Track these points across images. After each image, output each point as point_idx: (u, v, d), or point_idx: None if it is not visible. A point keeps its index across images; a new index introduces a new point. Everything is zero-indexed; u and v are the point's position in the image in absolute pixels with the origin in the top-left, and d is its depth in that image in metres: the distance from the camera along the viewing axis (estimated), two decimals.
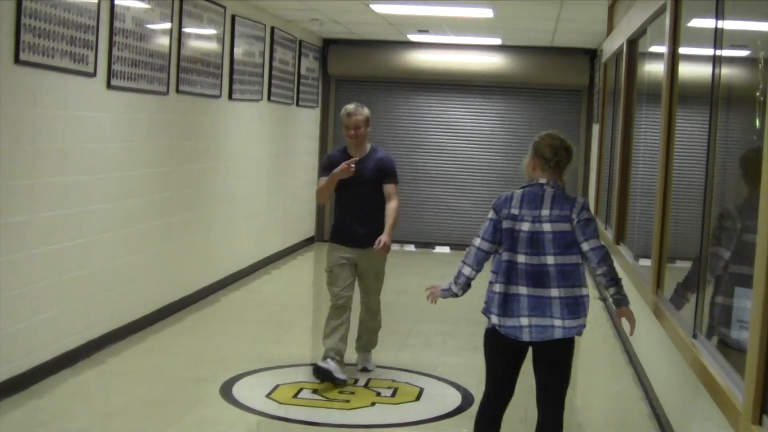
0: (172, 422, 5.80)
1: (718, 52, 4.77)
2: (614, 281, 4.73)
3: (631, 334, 4.94)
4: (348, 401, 6.38)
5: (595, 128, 12.80)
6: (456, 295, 5.04)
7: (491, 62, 14.04)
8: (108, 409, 6.03)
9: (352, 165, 6.72)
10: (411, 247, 14.62)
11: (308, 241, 14.16)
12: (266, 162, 11.67)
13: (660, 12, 6.61)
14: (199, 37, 9.05)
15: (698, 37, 5.74)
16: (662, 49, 6.33)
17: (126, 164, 7.61)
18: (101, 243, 7.22)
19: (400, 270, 12.62)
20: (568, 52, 13.81)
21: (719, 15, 4.73)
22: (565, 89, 14.22)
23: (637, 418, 6.35)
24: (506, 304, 4.63)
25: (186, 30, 8.65)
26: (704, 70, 5.07)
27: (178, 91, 8.56)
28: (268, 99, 11.52)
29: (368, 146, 7.08)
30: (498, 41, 13.48)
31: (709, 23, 4.91)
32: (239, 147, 10.51)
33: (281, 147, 12.35)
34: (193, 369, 7.06)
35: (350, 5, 10.36)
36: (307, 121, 13.71)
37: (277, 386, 6.61)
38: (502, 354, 4.75)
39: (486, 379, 4.89)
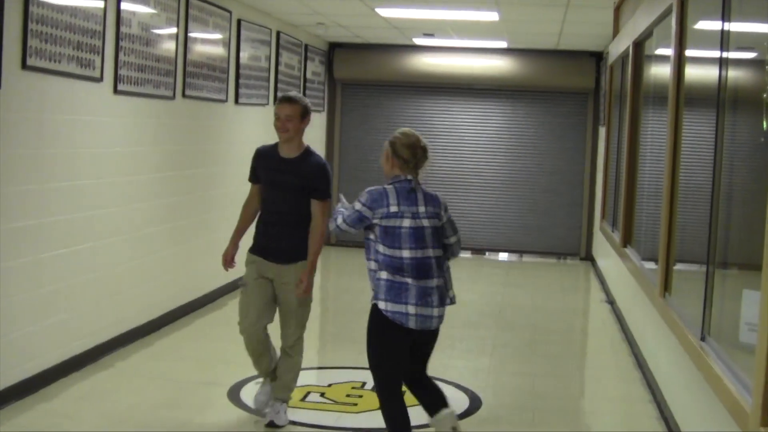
0: (180, 426, 5.81)
1: (725, 54, 4.77)
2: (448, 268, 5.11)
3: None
4: (355, 404, 6.38)
5: (602, 131, 12.79)
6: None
7: (497, 65, 14.04)
8: (116, 412, 6.04)
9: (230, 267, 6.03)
10: None
11: None
12: None
13: (666, 14, 6.60)
14: (205, 41, 9.07)
15: (705, 39, 5.74)
16: (668, 51, 6.33)
17: (133, 169, 7.63)
18: (108, 247, 7.23)
19: None
20: (574, 55, 13.81)
21: (726, 17, 4.73)
22: (571, 92, 14.21)
23: (645, 421, 6.34)
24: (393, 291, 4.78)
25: (192, 35, 8.66)
26: (711, 73, 5.07)
27: (184, 95, 8.58)
28: (275, 103, 11.50)
29: (303, 147, 5.93)
30: (503, 44, 13.48)
31: (715, 25, 4.91)
32: (245, 151, 10.48)
33: None
34: (200, 373, 7.07)
35: (356, 9, 10.37)
36: (312, 125, 13.64)
37: None
38: (392, 337, 4.87)
39: (378, 366, 5.00)
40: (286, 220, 5.80)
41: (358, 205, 4.91)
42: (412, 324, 4.77)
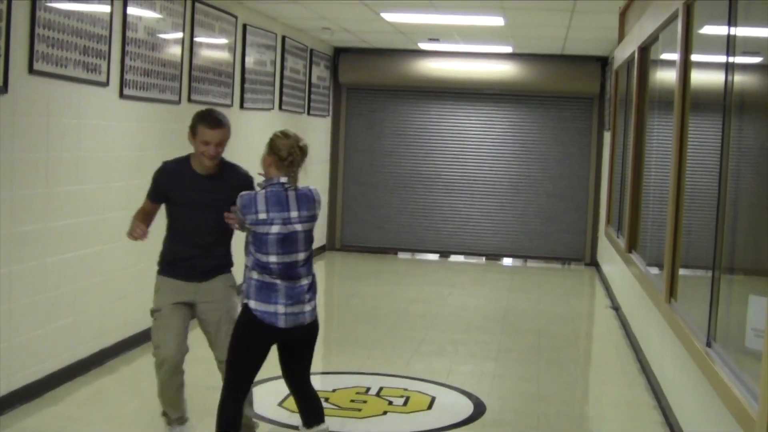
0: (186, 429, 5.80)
1: (731, 59, 4.77)
2: None
3: None
4: (360, 410, 6.38)
5: (607, 136, 12.79)
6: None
7: (502, 70, 14.04)
8: (122, 416, 6.04)
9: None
10: (423, 256, 14.61)
11: (320, 250, 14.16)
12: None
13: (672, 19, 6.60)
14: (210, 46, 9.08)
15: (710, 44, 5.74)
16: (674, 56, 6.33)
17: (139, 173, 7.62)
18: (114, 251, 7.24)
19: (413, 278, 12.63)
20: (579, 60, 13.80)
21: (732, 22, 4.73)
22: (576, 97, 14.21)
23: (650, 427, 6.34)
24: (262, 291, 4.73)
25: (198, 39, 8.68)
26: (717, 77, 5.07)
27: (190, 100, 8.59)
28: (280, 108, 11.54)
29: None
30: (509, 49, 13.48)
31: (721, 30, 4.91)
32: (250, 155, 10.49)
33: None
34: (205, 377, 7.04)
35: (361, 14, 10.38)
36: (318, 129, 13.72)
37: (288, 395, 6.59)
38: (258, 340, 4.82)
39: (235, 364, 4.90)
40: (208, 239, 5.34)
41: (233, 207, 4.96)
42: (282, 323, 4.75)
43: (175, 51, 8.20)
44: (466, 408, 6.54)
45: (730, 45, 4.76)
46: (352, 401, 6.56)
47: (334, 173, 14.64)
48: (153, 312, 5.38)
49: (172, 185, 5.34)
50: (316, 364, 7.74)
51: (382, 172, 14.60)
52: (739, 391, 4.01)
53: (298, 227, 4.77)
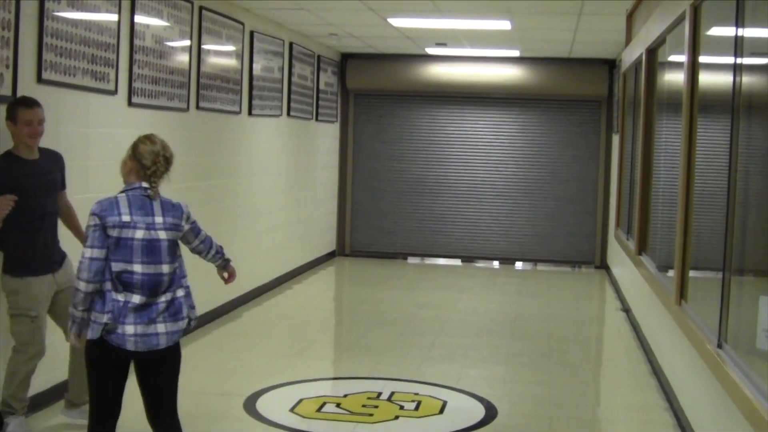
0: None
1: (739, 61, 4.76)
2: (223, 254, 5.02)
3: (227, 282, 5.18)
4: (371, 415, 6.37)
5: (615, 138, 12.78)
6: (83, 319, 4.33)
7: (509, 74, 14.03)
8: (132, 423, 6.03)
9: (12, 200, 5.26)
10: (433, 260, 14.61)
11: (329, 256, 14.17)
12: (286, 177, 11.70)
13: (679, 21, 6.60)
14: (218, 53, 9.10)
15: (718, 45, 5.73)
16: (682, 58, 6.32)
17: None
18: None
19: (423, 283, 12.62)
20: (587, 63, 13.80)
21: (739, 23, 4.72)
22: (584, 100, 14.20)
23: (661, 429, 6.32)
24: (115, 309, 4.26)
25: (205, 47, 8.70)
26: (725, 79, 5.06)
27: (198, 107, 8.61)
28: (288, 114, 11.55)
29: None
30: (516, 53, 13.48)
31: (729, 31, 4.91)
32: (259, 162, 10.54)
33: (301, 162, 12.38)
34: (217, 384, 7.07)
35: (368, 19, 10.39)
36: (326, 135, 13.74)
37: (300, 400, 6.62)
38: (112, 366, 4.37)
39: (93, 396, 4.44)
40: (50, 222, 5.53)
41: (90, 221, 4.32)
42: (131, 346, 4.28)
43: (183, 59, 8.22)
44: (478, 412, 6.54)
45: (738, 46, 4.75)
46: (364, 406, 6.56)
47: (342, 179, 14.65)
48: (30, 314, 5.39)
49: (7, 178, 5.31)
50: (328, 369, 7.78)
51: (390, 177, 14.61)
52: (751, 392, 4.00)
53: (162, 234, 4.37)
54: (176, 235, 4.46)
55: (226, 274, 5.12)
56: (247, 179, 10.09)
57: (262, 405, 6.48)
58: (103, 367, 4.37)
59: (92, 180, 6.69)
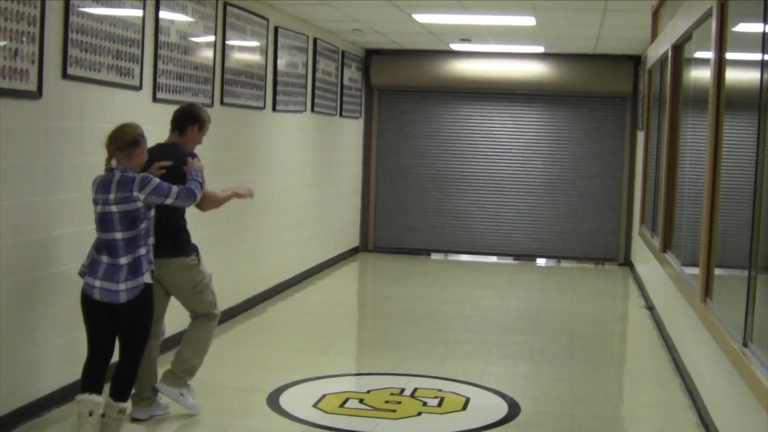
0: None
1: (766, 57, 4.73)
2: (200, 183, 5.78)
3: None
4: (394, 411, 6.37)
5: (640, 135, 12.72)
6: None
7: (534, 70, 13.99)
8: (157, 419, 6.07)
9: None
10: (456, 257, 14.59)
11: (353, 251, 14.18)
12: (310, 172, 11.71)
13: (706, 17, 6.55)
14: (242, 49, 9.12)
15: (745, 41, 5.69)
16: (708, 54, 6.28)
17: None
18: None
19: (446, 279, 12.61)
20: (612, 59, 13.73)
21: (767, 19, 4.69)
22: (609, 96, 14.14)
23: (685, 428, 6.29)
24: (92, 266, 5.31)
25: (229, 42, 8.71)
26: (752, 75, 5.03)
27: (222, 103, 8.63)
28: (312, 110, 11.56)
29: None
30: (541, 49, 13.44)
31: (756, 27, 4.87)
32: (283, 158, 10.56)
33: (325, 157, 12.39)
34: (240, 379, 7.09)
35: (392, 15, 10.38)
36: (350, 131, 13.75)
37: (323, 396, 6.63)
38: (90, 314, 5.38)
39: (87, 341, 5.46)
40: None
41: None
42: (97, 296, 5.26)
43: (208, 54, 8.24)
44: (501, 409, 6.53)
45: (766, 42, 4.71)
46: (387, 402, 6.56)
47: (366, 175, 14.66)
48: (207, 282, 6.12)
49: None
50: (351, 365, 7.79)
51: (414, 173, 14.60)
52: None
53: (114, 208, 5.28)
54: (128, 207, 5.29)
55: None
56: (271, 175, 10.10)
57: (286, 400, 6.49)
58: (86, 315, 5.43)
59: None
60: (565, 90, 14.09)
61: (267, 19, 9.69)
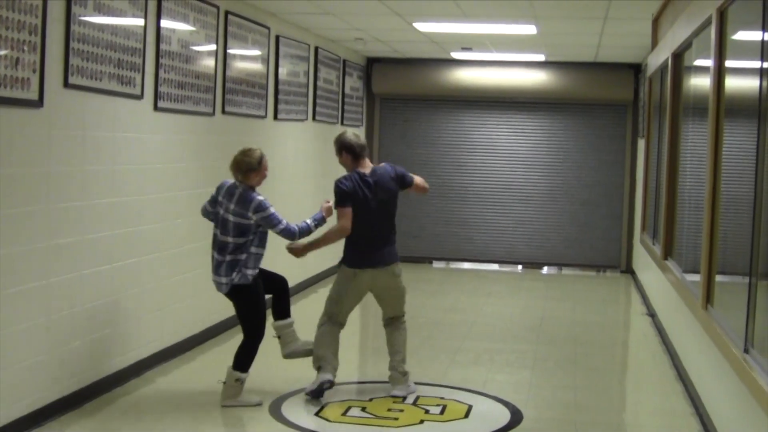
0: None
1: (765, 65, 4.74)
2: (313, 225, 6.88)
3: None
4: (396, 419, 6.37)
5: (641, 143, 12.73)
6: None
7: (535, 78, 14.02)
8: (159, 428, 6.08)
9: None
10: (458, 264, 14.59)
11: None
12: (312, 181, 11.72)
13: (705, 25, 6.57)
14: (244, 58, 9.14)
15: (745, 49, 5.70)
16: (708, 62, 6.29)
17: (174, 185, 7.69)
18: (151, 263, 7.29)
19: (448, 287, 12.61)
20: (612, 67, 13.75)
21: (766, 27, 4.70)
22: (610, 104, 14.16)
23: None
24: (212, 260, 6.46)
25: (231, 51, 8.73)
26: (751, 83, 5.03)
27: (224, 112, 8.64)
28: (313, 118, 11.58)
29: None
30: (542, 57, 13.46)
31: (755, 35, 4.88)
32: (285, 166, 10.57)
33: (327, 166, 12.38)
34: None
35: (394, 24, 10.41)
36: None
37: (325, 404, 6.62)
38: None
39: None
40: None
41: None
42: (215, 286, 6.48)
43: (209, 63, 8.26)
44: (503, 416, 6.52)
45: (765, 50, 4.72)
46: (389, 410, 6.55)
47: None
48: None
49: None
50: (353, 373, 7.78)
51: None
52: None
53: (230, 217, 6.37)
54: (241, 220, 6.35)
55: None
56: (272, 183, 10.09)
57: (288, 409, 6.49)
58: None
59: (118, 183, 6.73)
60: (566, 98, 14.11)
61: (268, 28, 9.71)
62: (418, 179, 7.35)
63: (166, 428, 6.06)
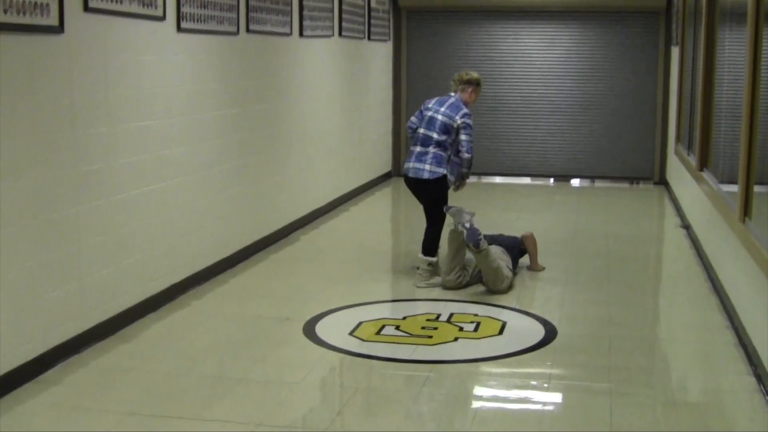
0: (257, 362, 5.85)
1: None
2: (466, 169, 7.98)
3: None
4: (431, 337, 6.36)
5: (674, 51, 12.48)
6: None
7: None
8: (193, 351, 6.10)
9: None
10: (490, 179, 14.49)
11: (385, 177, 14.11)
12: (339, 98, 11.61)
13: None
14: None
15: None
16: None
17: (199, 107, 7.61)
18: (179, 187, 7.25)
19: (480, 203, 12.54)
20: None
21: None
22: (642, 11, 13.87)
23: (723, 348, 6.23)
24: (409, 155, 7.76)
25: None
26: None
27: (248, 30, 8.51)
28: (339, 34, 11.41)
29: None
30: None
31: None
32: (312, 84, 10.46)
33: (354, 83, 12.27)
34: (275, 309, 7.10)
35: None
36: (379, 55, 13.59)
37: (359, 323, 6.62)
38: (409, 189, 7.96)
39: None
40: None
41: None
42: (410, 174, 7.71)
43: None
44: (537, 332, 6.50)
45: None
46: (423, 328, 6.54)
47: (396, 99, 14.52)
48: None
49: None
50: (386, 292, 7.77)
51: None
52: None
53: (439, 116, 7.74)
54: (446, 120, 7.72)
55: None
56: (299, 102, 10.01)
57: (321, 329, 6.49)
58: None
59: (143, 107, 6.66)
60: (598, 6, 13.84)
61: None
62: None
63: (201, 351, 6.09)
